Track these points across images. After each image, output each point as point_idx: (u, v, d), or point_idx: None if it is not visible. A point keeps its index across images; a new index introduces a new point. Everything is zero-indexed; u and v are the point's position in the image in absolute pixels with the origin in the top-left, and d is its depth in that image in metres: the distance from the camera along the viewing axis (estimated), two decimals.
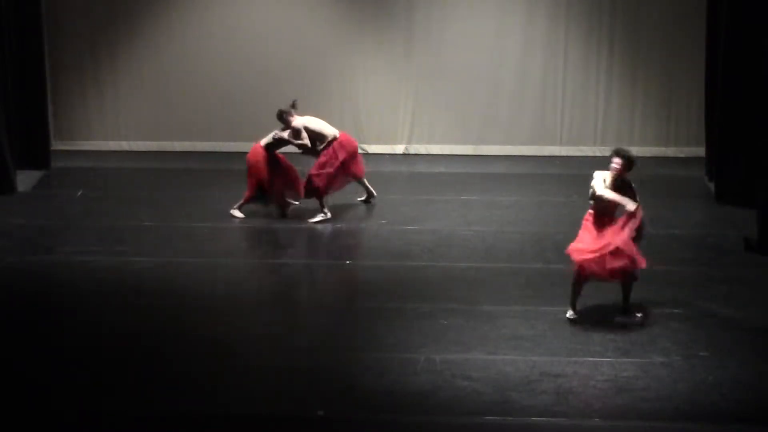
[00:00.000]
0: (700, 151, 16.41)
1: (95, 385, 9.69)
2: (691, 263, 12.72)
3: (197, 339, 10.66)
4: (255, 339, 10.74)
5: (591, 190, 10.77)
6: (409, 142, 17.48)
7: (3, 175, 15.03)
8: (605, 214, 10.82)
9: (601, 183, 10.73)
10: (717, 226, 13.96)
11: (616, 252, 10.61)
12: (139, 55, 17.27)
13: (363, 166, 14.52)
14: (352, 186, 14.66)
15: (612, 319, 10.96)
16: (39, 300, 11.74)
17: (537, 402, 9.35)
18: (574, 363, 10.05)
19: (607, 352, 10.29)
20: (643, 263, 10.76)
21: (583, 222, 10.94)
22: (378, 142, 17.25)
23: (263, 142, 14.19)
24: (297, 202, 14.35)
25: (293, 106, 14.13)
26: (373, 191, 14.69)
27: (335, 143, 14.08)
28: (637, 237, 10.80)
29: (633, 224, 10.66)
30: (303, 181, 14.12)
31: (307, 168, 14.15)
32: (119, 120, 17.43)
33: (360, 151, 14.51)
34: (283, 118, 14.05)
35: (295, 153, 14.36)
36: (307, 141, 13.97)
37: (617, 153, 10.81)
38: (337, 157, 14.06)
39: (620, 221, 10.73)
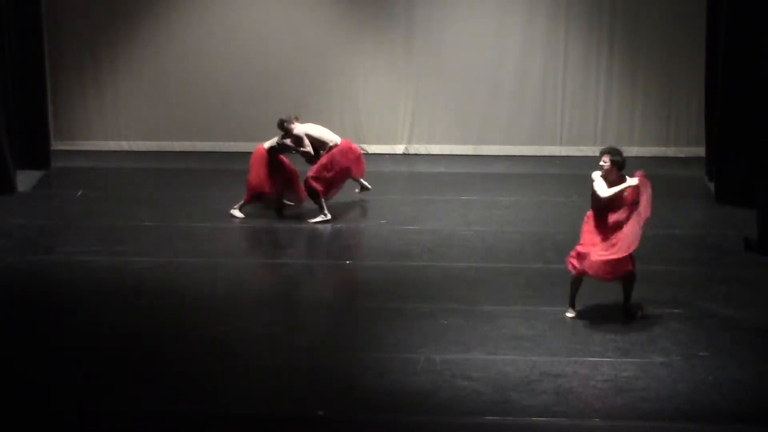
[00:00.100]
0: (700, 151, 16.41)
1: (95, 385, 9.69)
2: (691, 263, 12.72)
3: (197, 339, 10.66)
4: (255, 339, 10.74)
5: (594, 194, 10.76)
6: (409, 142, 17.48)
7: (3, 175, 15.03)
8: (607, 212, 10.80)
9: (602, 183, 10.73)
10: (717, 226, 13.96)
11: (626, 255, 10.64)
12: (139, 55, 17.27)
13: (363, 168, 14.51)
14: (352, 185, 14.66)
15: (612, 319, 10.96)
16: (39, 300, 11.73)
17: (537, 402, 9.35)
18: (574, 363, 10.05)
19: (607, 352, 10.29)
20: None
21: (584, 225, 10.91)
22: (378, 142, 17.25)
23: (267, 145, 14.18)
24: (293, 203, 14.34)
25: (296, 119, 14.14)
26: (368, 185, 14.66)
27: (336, 149, 14.07)
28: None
29: (640, 220, 10.64)
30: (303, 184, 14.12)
31: (308, 170, 14.14)
32: (119, 120, 17.43)
33: (360, 151, 14.52)
34: (284, 127, 14.04)
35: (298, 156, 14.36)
36: (309, 149, 13.97)
37: (607, 152, 10.82)
38: (337, 163, 14.06)
39: (630, 221, 10.70)
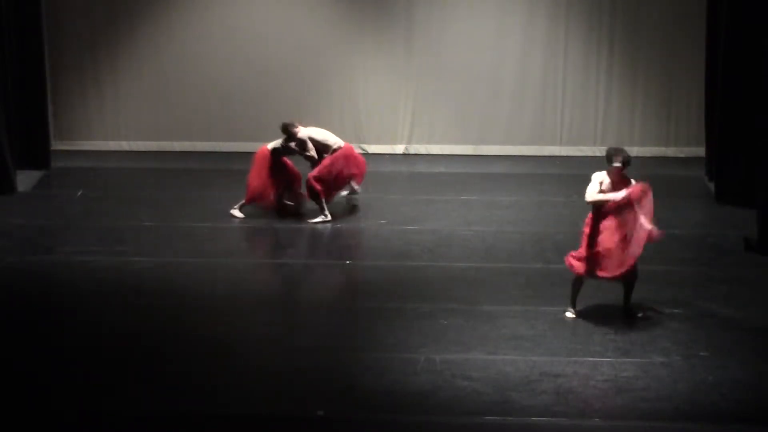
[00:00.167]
0: (700, 151, 16.41)
1: (95, 385, 9.69)
2: (691, 263, 12.73)
3: (197, 339, 10.66)
4: (255, 339, 10.74)
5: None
6: (409, 142, 17.47)
7: (3, 175, 15.03)
8: (606, 213, 10.80)
9: (594, 188, 10.72)
10: (717, 226, 13.96)
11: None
12: (139, 55, 17.26)
13: (364, 174, 14.45)
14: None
15: (612, 319, 10.96)
16: (39, 300, 11.73)
17: (537, 402, 9.35)
18: (574, 363, 10.05)
19: (607, 352, 10.29)
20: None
21: (585, 228, 10.89)
22: (378, 142, 17.25)
23: (271, 145, 14.17)
24: (293, 203, 14.34)
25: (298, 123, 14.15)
26: (358, 190, 14.64)
27: (340, 152, 14.06)
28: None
29: (645, 219, 10.65)
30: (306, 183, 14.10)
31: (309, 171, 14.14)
32: (119, 120, 17.43)
33: (360, 151, 14.51)
34: (288, 131, 14.03)
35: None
36: (313, 152, 13.97)
37: (619, 153, 10.78)
38: (340, 166, 14.04)
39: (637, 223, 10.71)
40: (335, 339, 10.72)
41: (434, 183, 15.86)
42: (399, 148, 17.44)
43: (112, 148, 17.42)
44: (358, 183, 14.50)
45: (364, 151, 14.93)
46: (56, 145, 17.09)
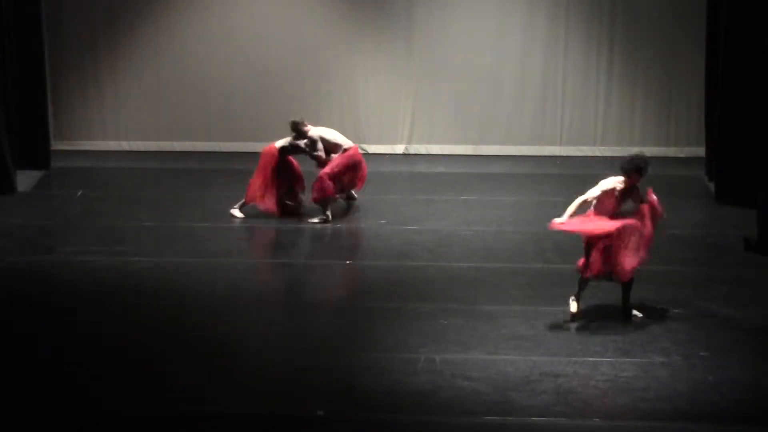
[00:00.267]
0: (700, 151, 16.42)
1: (95, 385, 9.69)
2: (691, 263, 12.73)
3: (197, 339, 10.65)
4: (255, 339, 10.74)
5: (599, 195, 10.77)
6: (409, 142, 17.48)
7: (3, 175, 15.03)
8: (605, 215, 10.82)
9: (594, 192, 10.73)
10: (717, 226, 13.96)
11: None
12: (139, 55, 17.27)
13: (364, 181, 14.43)
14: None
15: (612, 319, 10.96)
16: (39, 300, 11.72)
17: (537, 402, 9.35)
18: (574, 363, 10.05)
19: (607, 352, 10.29)
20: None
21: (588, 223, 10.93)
22: (378, 142, 17.25)
23: (279, 144, 14.13)
24: (292, 203, 14.33)
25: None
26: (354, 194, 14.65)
27: (350, 153, 14.02)
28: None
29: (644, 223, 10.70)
30: (314, 181, 13.97)
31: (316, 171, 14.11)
32: (119, 120, 17.43)
33: (360, 151, 14.50)
34: (298, 129, 13.97)
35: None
36: (322, 153, 13.92)
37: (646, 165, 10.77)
38: (350, 168, 14.02)
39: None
40: (335, 339, 10.71)
41: (434, 183, 15.86)
42: (399, 148, 17.45)
43: (112, 148, 17.42)
44: (359, 188, 14.47)
45: (364, 151, 14.88)
46: (56, 145, 17.09)
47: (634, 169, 10.77)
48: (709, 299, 11.54)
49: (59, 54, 17.06)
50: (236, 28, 17.16)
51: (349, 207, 14.50)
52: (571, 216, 10.79)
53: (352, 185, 14.29)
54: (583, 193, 10.89)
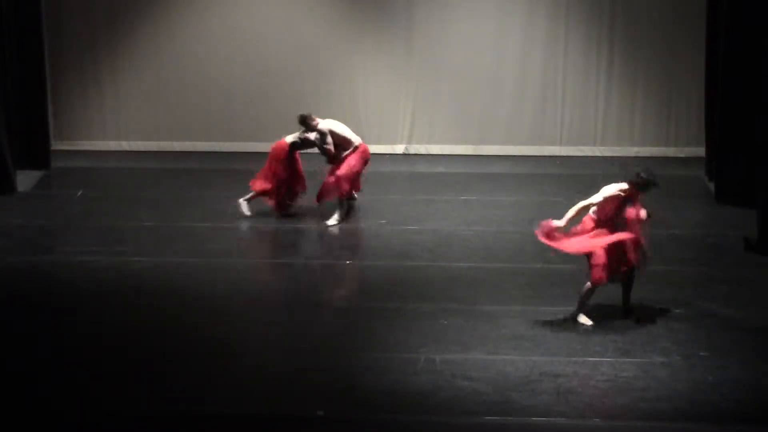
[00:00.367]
0: (700, 151, 16.41)
1: (95, 385, 9.69)
2: (691, 263, 12.73)
3: (197, 339, 10.66)
4: (255, 339, 10.74)
5: (602, 200, 10.77)
6: (409, 142, 17.48)
7: (3, 175, 15.03)
8: (606, 224, 10.83)
9: (596, 199, 10.74)
10: (717, 226, 13.96)
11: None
12: (139, 55, 17.27)
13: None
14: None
15: (612, 319, 10.96)
16: (39, 300, 11.73)
17: (537, 402, 9.35)
18: (574, 363, 10.05)
19: (607, 352, 10.29)
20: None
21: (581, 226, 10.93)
22: (378, 142, 17.22)
23: (289, 139, 14.10)
24: (290, 202, 14.32)
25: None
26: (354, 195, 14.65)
27: (360, 153, 13.98)
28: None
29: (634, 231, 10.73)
30: (330, 181, 13.92)
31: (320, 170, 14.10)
32: (119, 120, 17.43)
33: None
34: (306, 122, 13.93)
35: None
36: (331, 146, 13.88)
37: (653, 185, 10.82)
38: (361, 167, 14.00)
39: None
40: (335, 339, 10.72)
41: (434, 183, 15.86)
42: (399, 148, 17.45)
43: (112, 148, 17.42)
44: (359, 189, 14.47)
45: None
46: (56, 145, 17.09)
47: (643, 184, 10.73)
48: (709, 299, 11.55)
49: (59, 54, 17.06)
50: (236, 28, 17.16)
51: (349, 207, 14.50)
52: (570, 219, 10.80)
53: (356, 186, 14.29)
54: (582, 193, 10.88)
